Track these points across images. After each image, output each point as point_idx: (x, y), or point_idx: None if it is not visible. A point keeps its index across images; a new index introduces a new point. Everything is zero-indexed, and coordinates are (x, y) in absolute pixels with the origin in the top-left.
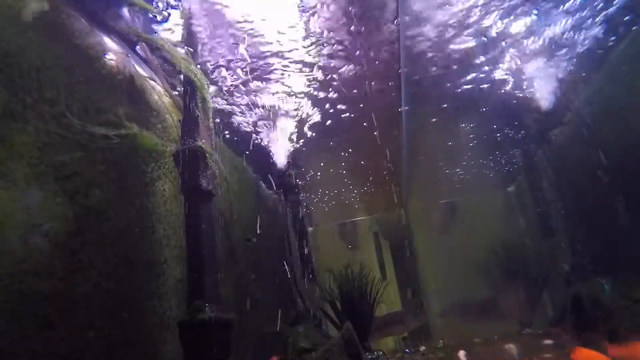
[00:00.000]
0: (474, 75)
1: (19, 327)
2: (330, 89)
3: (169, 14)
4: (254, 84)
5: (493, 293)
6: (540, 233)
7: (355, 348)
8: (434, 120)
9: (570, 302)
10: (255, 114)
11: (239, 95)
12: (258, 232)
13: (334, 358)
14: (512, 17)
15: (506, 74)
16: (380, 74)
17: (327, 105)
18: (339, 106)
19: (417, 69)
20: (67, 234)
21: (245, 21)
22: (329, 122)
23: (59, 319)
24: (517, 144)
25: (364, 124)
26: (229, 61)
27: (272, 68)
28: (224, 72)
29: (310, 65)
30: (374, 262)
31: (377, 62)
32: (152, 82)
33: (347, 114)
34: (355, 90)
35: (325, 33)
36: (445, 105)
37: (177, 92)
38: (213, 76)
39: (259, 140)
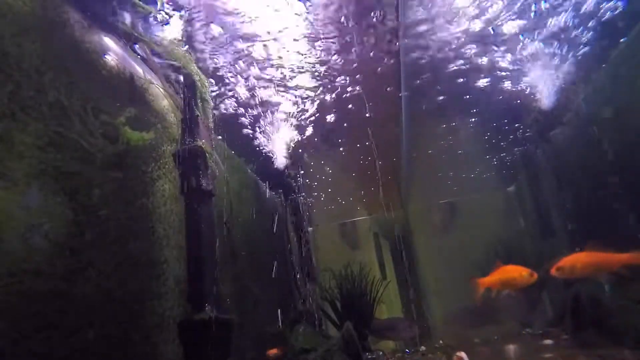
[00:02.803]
0: (474, 75)
1: (19, 327)
2: (331, 89)
3: (170, 16)
4: (255, 84)
5: (493, 294)
6: (540, 233)
7: (355, 348)
8: (434, 120)
9: (570, 302)
10: (256, 114)
11: (239, 95)
12: (257, 232)
13: (334, 358)
14: (513, 17)
15: (506, 74)
16: (379, 74)
17: (328, 106)
18: (339, 106)
19: (417, 69)
20: (67, 234)
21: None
22: (328, 122)
23: (59, 319)
24: (517, 144)
25: (365, 123)
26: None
27: (273, 69)
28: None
29: (311, 66)
30: (374, 262)
31: (376, 61)
32: (152, 82)
33: (348, 113)
34: (355, 90)
35: (325, 30)
36: (445, 105)
37: (177, 92)
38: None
39: (260, 141)
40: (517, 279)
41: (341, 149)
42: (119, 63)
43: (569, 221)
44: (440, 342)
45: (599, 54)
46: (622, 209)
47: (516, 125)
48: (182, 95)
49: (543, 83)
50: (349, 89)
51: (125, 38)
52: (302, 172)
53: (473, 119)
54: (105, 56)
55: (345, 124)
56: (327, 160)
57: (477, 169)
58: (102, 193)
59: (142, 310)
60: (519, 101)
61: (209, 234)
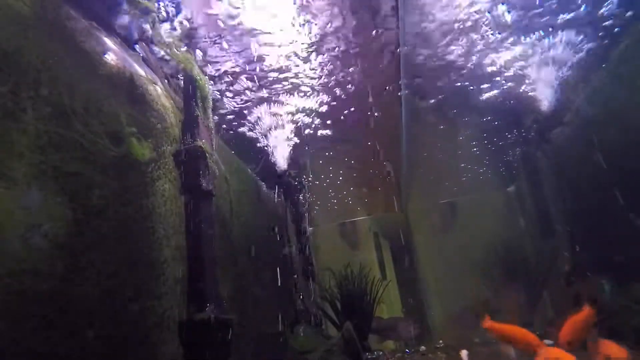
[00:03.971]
0: (474, 75)
1: (19, 327)
2: (331, 89)
3: (169, 15)
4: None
5: (493, 294)
6: (540, 233)
7: (355, 348)
8: (434, 120)
9: (570, 302)
10: (256, 114)
11: (239, 96)
12: (258, 231)
13: (334, 358)
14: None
15: (505, 74)
16: (380, 74)
17: (328, 106)
18: (339, 106)
19: (417, 69)
20: (67, 234)
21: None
22: (329, 121)
23: (59, 319)
24: (517, 144)
25: (365, 123)
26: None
27: (272, 68)
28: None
29: (311, 65)
30: (374, 262)
31: (376, 61)
32: (152, 82)
33: (348, 114)
34: (355, 91)
35: (324, 29)
36: (445, 105)
37: (177, 92)
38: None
39: (260, 141)
40: (520, 347)
41: (342, 148)
42: (119, 63)
43: (569, 221)
44: (440, 342)
45: (599, 54)
46: (622, 209)
47: (516, 125)
48: (182, 95)
49: (543, 82)
50: (349, 83)
51: (125, 37)
52: (302, 171)
53: (473, 119)
54: (106, 56)
55: (345, 123)
56: (328, 160)
57: (477, 169)
58: (102, 193)
59: (142, 310)
60: (519, 101)
61: (208, 234)
